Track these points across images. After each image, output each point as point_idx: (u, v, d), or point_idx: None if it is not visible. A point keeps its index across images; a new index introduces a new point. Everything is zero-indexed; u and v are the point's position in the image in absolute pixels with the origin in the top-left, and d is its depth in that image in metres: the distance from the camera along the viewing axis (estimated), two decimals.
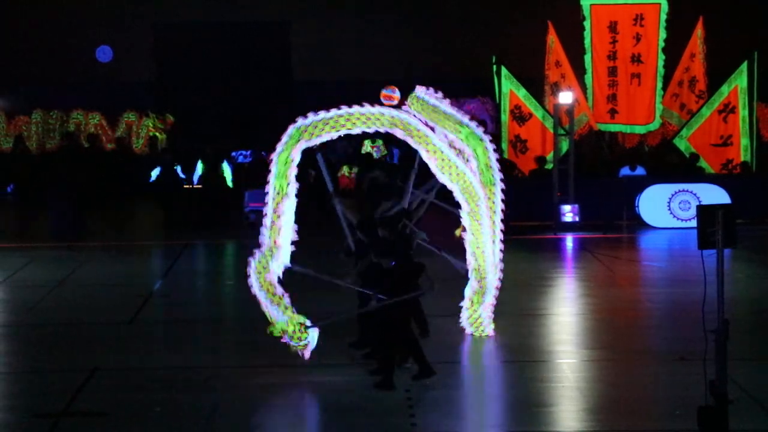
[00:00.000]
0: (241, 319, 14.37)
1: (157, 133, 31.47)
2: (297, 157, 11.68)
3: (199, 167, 23.91)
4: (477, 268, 12.49)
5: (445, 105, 12.49)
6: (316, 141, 11.79)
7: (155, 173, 24.43)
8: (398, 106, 12.19)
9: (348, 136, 12.70)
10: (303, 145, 11.70)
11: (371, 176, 13.58)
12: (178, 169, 24.86)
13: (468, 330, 12.85)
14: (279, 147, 11.71)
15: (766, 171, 25.03)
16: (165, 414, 10.20)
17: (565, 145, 23.21)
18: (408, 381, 10.92)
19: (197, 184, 24.18)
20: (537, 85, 25.41)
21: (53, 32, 33.61)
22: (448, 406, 10.39)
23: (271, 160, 11.71)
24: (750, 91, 24.48)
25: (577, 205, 22.23)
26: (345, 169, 28.66)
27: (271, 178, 11.58)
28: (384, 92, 12.18)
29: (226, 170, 23.99)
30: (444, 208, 13.59)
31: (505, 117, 24.64)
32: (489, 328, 12.82)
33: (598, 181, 23.82)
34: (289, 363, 11.53)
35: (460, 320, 12.87)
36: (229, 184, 23.89)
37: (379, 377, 10.82)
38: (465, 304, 12.80)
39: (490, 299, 12.76)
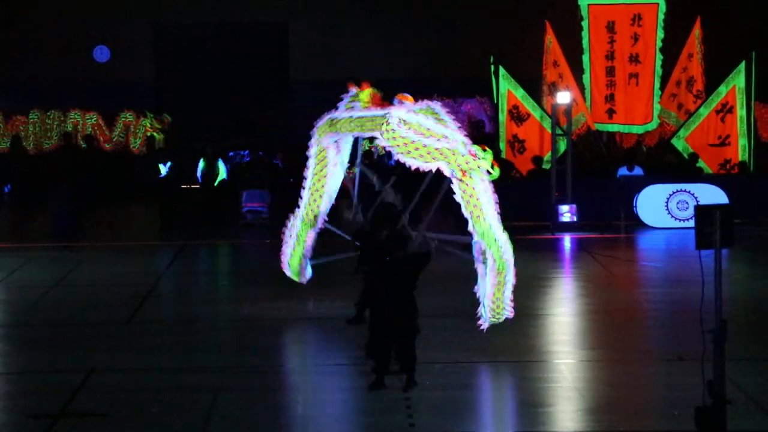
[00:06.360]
0: (239, 319, 14.35)
1: (155, 133, 31.43)
2: (331, 147, 13.04)
3: (201, 165, 23.91)
4: (494, 263, 12.06)
5: (431, 121, 12.08)
6: (345, 135, 12.81)
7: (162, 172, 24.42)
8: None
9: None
10: (332, 136, 12.82)
11: (381, 204, 13.32)
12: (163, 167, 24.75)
13: (486, 320, 12.29)
14: (311, 142, 13.19)
15: (764, 171, 25.02)
16: (163, 414, 10.19)
17: (563, 145, 23.21)
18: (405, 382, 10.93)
19: (200, 182, 24.18)
20: (535, 85, 25.40)
21: (51, 32, 33.57)
22: (446, 406, 10.37)
23: (308, 156, 13.26)
24: (748, 90, 24.47)
25: (574, 205, 22.21)
26: None
27: (309, 172, 13.23)
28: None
29: (222, 169, 23.96)
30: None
31: (503, 117, 24.64)
32: (508, 309, 12.33)
33: (595, 181, 23.80)
34: (288, 363, 11.53)
35: (479, 312, 12.32)
36: (222, 180, 23.85)
37: (372, 378, 10.82)
38: (488, 297, 12.19)
39: (510, 280, 12.26)
